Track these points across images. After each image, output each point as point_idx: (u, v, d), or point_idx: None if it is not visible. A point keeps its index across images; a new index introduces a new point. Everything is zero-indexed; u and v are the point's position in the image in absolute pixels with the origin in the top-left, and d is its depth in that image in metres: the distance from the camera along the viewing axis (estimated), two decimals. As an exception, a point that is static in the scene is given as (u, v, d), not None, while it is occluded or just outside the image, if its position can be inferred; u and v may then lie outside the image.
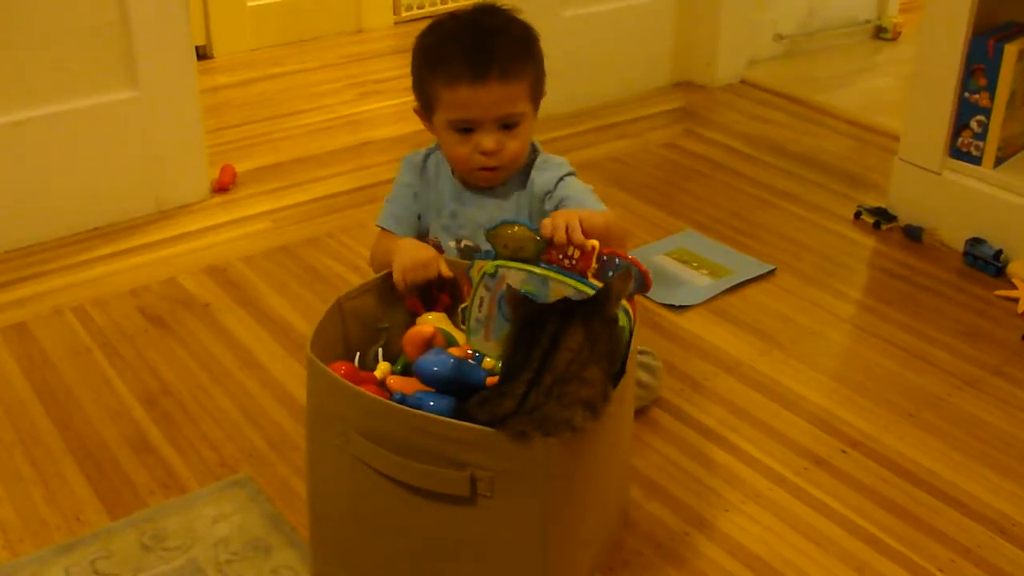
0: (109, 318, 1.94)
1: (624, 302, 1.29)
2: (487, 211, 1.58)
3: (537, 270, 1.35)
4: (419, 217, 1.62)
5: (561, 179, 1.57)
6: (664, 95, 3.05)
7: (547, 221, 1.35)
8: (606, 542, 1.41)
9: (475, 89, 1.48)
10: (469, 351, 1.39)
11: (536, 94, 1.56)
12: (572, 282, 1.32)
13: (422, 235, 1.62)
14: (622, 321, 1.27)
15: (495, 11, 1.56)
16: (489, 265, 1.37)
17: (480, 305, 1.38)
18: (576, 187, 1.57)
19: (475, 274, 1.39)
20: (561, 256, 1.35)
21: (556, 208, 1.54)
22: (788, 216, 2.36)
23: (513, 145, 1.53)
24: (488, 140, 1.51)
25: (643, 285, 1.34)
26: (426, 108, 1.56)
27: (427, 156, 1.63)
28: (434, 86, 1.52)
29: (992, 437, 1.67)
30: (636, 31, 2.98)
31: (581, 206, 1.51)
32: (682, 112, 2.94)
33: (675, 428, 1.67)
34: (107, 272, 2.10)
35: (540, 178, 1.57)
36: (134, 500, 1.51)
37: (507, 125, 1.52)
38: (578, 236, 1.32)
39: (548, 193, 1.56)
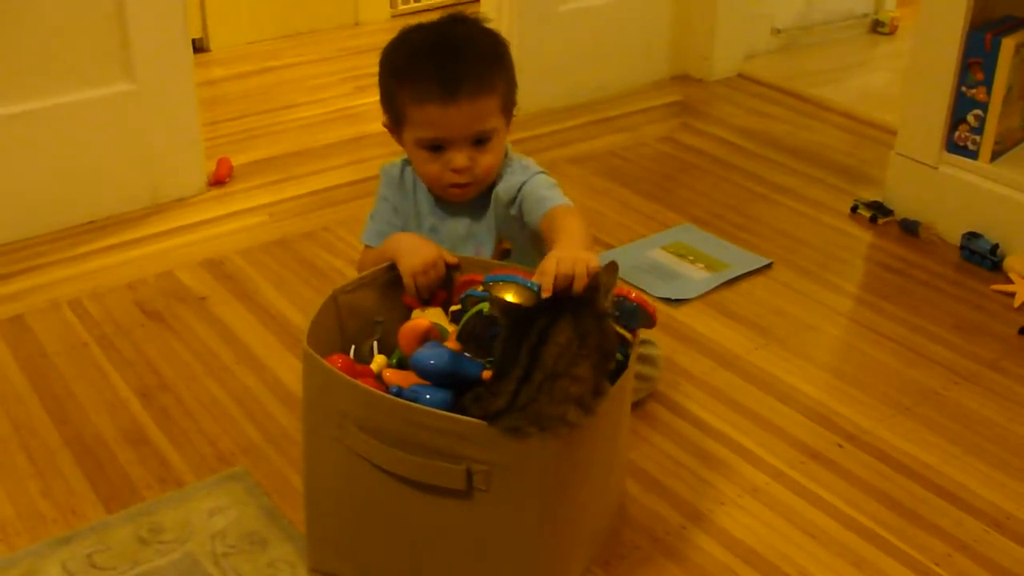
0: (105, 311, 1.94)
1: (626, 334, 1.29)
2: (465, 224, 1.57)
3: None
4: (402, 230, 1.59)
5: (524, 183, 1.52)
6: (661, 89, 3.05)
7: (546, 281, 1.22)
8: (602, 536, 1.42)
9: (445, 108, 1.44)
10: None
11: (508, 105, 1.52)
12: None
13: None
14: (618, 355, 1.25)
15: (464, 21, 1.53)
16: (485, 306, 1.31)
17: (473, 327, 1.34)
18: (537, 184, 1.51)
19: (470, 305, 1.35)
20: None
21: (519, 211, 1.51)
22: (785, 210, 2.36)
23: (486, 160, 1.50)
24: (459, 158, 1.48)
25: (651, 324, 1.35)
26: (395, 124, 1.53)
27: (403, 168, 1.60)
28: (402, 103, 1.48)
29: (988, 431, 1.67)
30: (633, 25, 2.97)
31: (539, 203, 1.47)
32: (679, 106, 2.94)
33: (672, 422, 1.67)
34: (103, 265, 2.09)
35: (503, 186, 1.54)
36: (130, 494, 1.51)
37: (479, 141, 1.49)
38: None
39: (512, 200, 1.53)
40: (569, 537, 1.28)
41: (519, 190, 1.52)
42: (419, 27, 1.52)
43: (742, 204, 2.38)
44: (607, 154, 2.61)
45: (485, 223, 1.56)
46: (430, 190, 1.57)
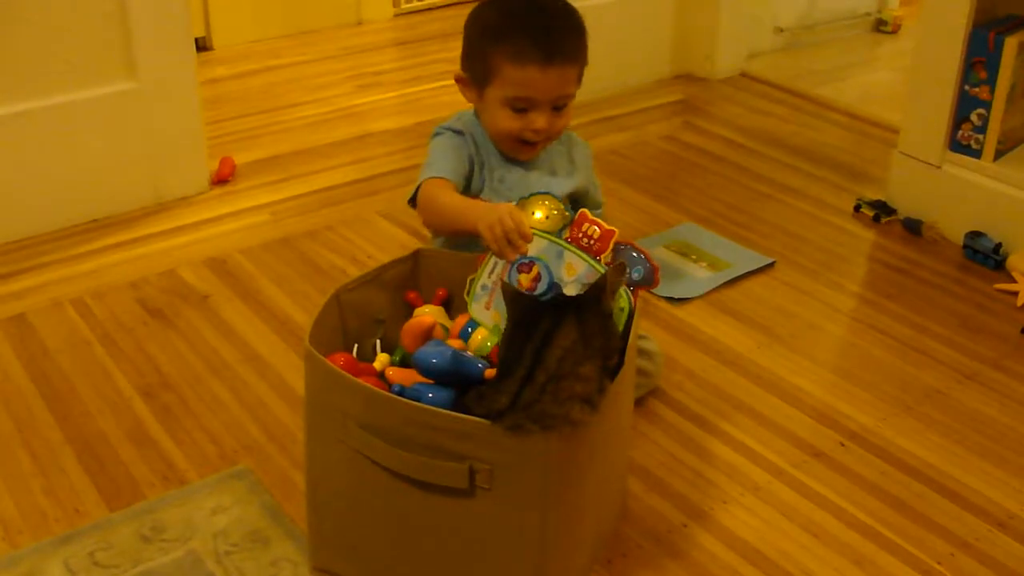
0: (108, 310, 1.94)
1: (626, 290, 1.30)
2: (532, 179, 1.60)
3: (555, 240, 1.38)
4: (468, 177, 1.59)
5: (592, 179, 1.67)
6: (664, 88, 3.05)
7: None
8: (605, 534, 1.42)
9: (543, 71, 1.51)
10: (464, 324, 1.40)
11: (582, 72, 1.61)
12: (585, 257, 1.35)
13: (473, 196, 1.58)
14: (622, 303, 1.28)
15: None
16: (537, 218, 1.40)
17: (491, 271, 1.39)
18: (597, 189, 1.69)
19: None
20: (580, 235, 1.38)
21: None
22: (788, 209, 2.36)
23: (561, 123, 1.58)
24: (541, 120, 1.54)
25: (651, 280, 1.36)
26: (479, 80, 1.56)
27: (467, 123, 1.62)
28: (497, 61, 1.52)
29: (991, 430, 1.67)
30: (636, 23, 2.97)
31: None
32: (682, 105, 2.94)
33: (674, 420, 1.67)
34: (106, 264, 2.09)
35: (581, 155, 1.67)
36: (133, 492, 1.51)
37: (558, 106, 1.56)
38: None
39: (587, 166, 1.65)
40: (572, 535, 1.28)
41: (590, 165, 1.68)
42: None
43: (745, 203, 2.38)
44: (610, 153, 2.61)
45: (550, 182, 1.59)
46: (495, 143, 1.60)
